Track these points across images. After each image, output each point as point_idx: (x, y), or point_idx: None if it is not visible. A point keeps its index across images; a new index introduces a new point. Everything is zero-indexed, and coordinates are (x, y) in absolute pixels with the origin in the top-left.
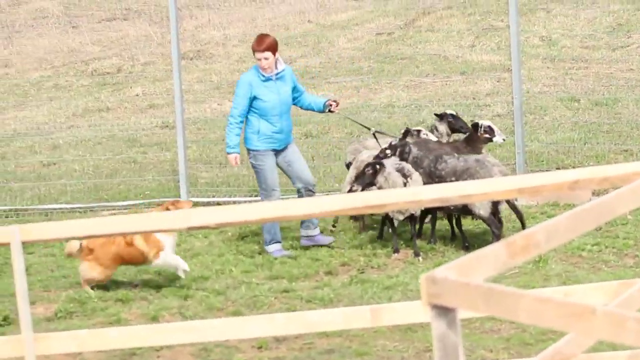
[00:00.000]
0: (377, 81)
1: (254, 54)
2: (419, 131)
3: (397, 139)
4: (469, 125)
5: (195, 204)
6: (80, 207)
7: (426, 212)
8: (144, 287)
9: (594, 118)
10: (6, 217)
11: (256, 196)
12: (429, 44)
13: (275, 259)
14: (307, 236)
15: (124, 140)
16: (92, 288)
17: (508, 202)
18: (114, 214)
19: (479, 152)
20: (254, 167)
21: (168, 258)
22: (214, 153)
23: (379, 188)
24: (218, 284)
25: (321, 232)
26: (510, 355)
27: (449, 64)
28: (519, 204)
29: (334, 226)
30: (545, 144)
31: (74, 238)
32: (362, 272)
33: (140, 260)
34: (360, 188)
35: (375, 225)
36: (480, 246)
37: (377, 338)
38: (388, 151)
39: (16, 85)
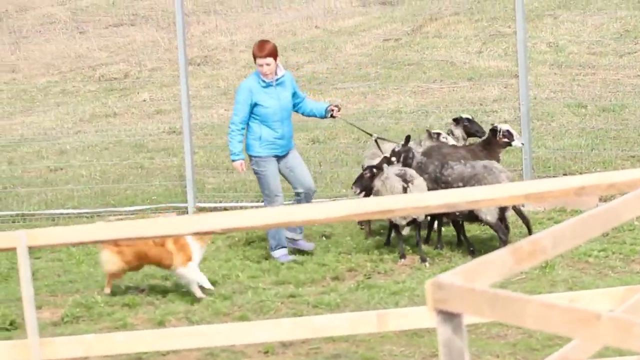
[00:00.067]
0: (384, 87)
1: (254, 60)
2: (438, 134)
3: (400, 145)
4: (486, 129)
5: (202, 210)
6: (87, 212)
7: (432, 218)
8: (151, 292)
9: (601, 124)
10: (13, 222)
11: (263, 202)
12: (436, 50)
13: (282, 264)
14: (291, 239)
15: (131, 146)
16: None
17: (514, 207)
18: (121, 219)
19: (496, 157)
20: (256, 173)
21: (193, 270)
22: (221, 159)
23: (376, 192)
24: (224, 289)
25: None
26: None
27: (456, 70)
28: (526, 209)
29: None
30: (552, 150)
31: (80, 243)
32: (369, 278)
33: (165, 263)
34: (358, 190)
35: (382, 231)
36: (486, 252)
37: (384, 343)
38: (393, 158)
39: (23, 90)
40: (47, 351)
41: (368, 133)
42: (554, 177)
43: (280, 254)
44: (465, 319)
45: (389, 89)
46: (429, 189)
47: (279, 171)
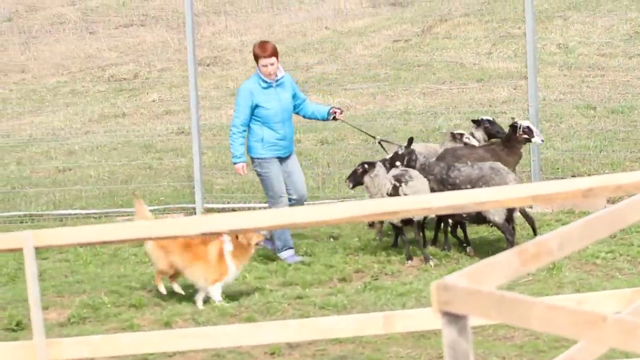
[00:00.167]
0: (394, 88)
1: (257, 61)
2: (461, 135)
3: (402, 148)
4: (507, 127)
5: (210, 210)
6: (95, 213)
7: (439, 219)
8: (157, 293)
9: (610, 126)
10: (21, 222)
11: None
12: (445, 51)
13: (289, 265)
14: (271, 239)
15: (139, 146)
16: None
17: (519, 208)
18: (129, 219)
19: (517, 153)
20: (259, 175)
21: (218, 291)
22: (230, 159)
23: (366, 188)
24: (231, 290)
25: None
26: None
27: (465, 71)
28: (534, 211)
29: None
30: (560, 152)
31: (87, 244)
32: (376, 279)
33: (197, 274)
34: (351, 185)
35: (389, 232)
36: (493, 254)
37: (390, 345)
38: (397, 162)
39: (33, 90)
40: (53, 352)
41: (371, 135)
42: (562, 178)
43: (287, 254)
44: (471, 320)
45: (398, 90)
46: (434, 191)
47: None
